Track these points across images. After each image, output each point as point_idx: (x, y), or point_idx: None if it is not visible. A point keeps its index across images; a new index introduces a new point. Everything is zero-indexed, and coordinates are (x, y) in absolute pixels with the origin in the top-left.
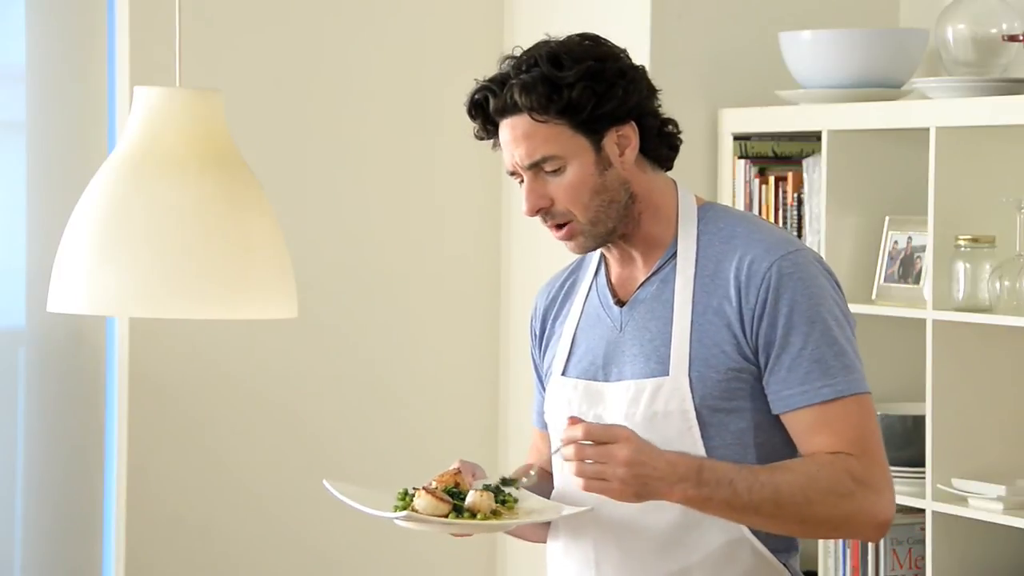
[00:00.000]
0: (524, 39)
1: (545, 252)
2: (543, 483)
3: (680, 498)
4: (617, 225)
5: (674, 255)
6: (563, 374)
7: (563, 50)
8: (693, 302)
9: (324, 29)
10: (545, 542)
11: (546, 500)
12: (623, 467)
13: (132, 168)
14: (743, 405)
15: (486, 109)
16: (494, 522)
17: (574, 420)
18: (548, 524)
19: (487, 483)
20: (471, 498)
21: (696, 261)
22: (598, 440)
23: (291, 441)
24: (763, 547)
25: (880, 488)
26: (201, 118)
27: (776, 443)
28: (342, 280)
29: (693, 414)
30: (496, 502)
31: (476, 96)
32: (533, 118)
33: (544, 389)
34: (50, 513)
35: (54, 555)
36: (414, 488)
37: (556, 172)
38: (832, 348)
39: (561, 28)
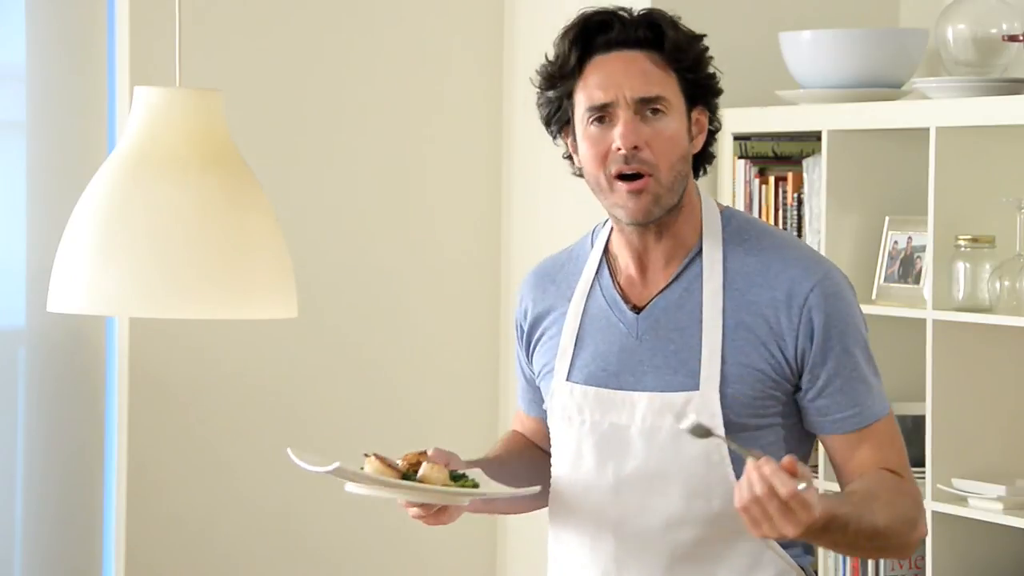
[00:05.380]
0: (524, 39)
1: (545, 248)
2: (522, 462)
3: (801, 537)
4: (675, 205)
5: (694, 260)
6: (568, 379)
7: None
8: (724, 316)
9: (324, 29)
10: (528, 510)
11: (500, 485)
12: (795, 529)
13: (132, 168)
14: (774, 421)
15: (593, 37)
16: (429, 488)
17: (766, 462)
18: (534, 499)
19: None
20: (424, 470)
21: (724, 273)
22: (784, 499)
23: (291, 441)
24: (785, 552)
25: (923, 507)
26: (201, 118)
27: (802, 455)
28: (342, 280)
29: (722, 431)
30: (455, 483)
31: (596, 19)
32: (662, 56)
33: (526, 377)
34: (50, 513)
35: (54, 555)
36: (364, 455)
37: (658, 118)
38: (869, 368)
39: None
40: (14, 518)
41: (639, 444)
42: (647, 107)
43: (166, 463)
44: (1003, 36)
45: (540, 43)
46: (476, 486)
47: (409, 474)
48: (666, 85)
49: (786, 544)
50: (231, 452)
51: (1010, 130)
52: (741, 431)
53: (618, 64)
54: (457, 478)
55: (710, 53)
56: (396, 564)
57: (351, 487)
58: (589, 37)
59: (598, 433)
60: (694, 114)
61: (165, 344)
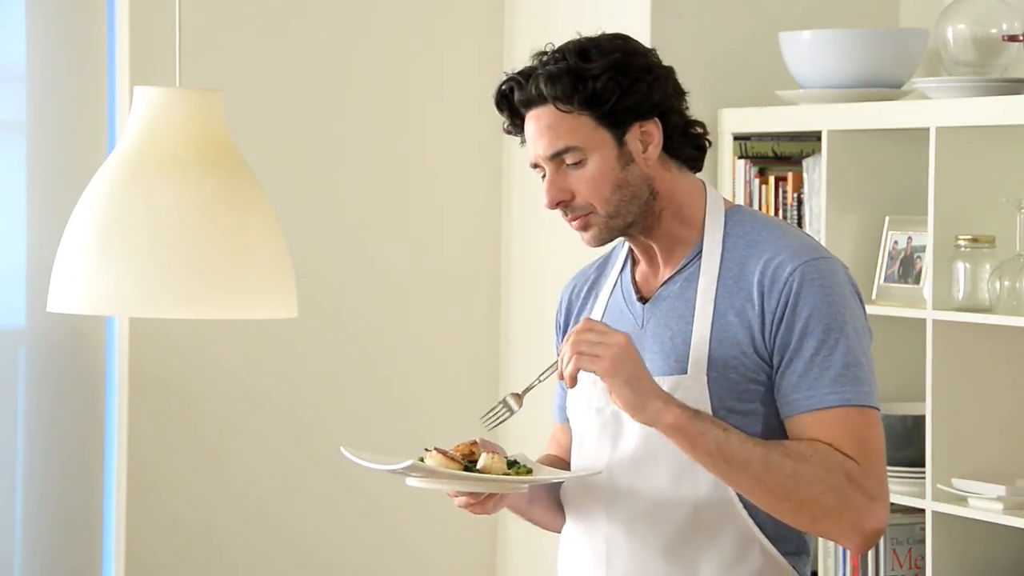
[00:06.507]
0: (524, 40)
1: (545, 250)
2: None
3: (673, 421)
4: (636, 220)
5: (699, 255)
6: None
7: (591, 44)
8: (715, 303)
9: (324, 29)
10: (559, 531)
11: (559, 470)
12: (617, 348)
13: (132, 168)
14: (757, 409)
15: (512, 101)
16: (498, 477)
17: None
18: (562, 511)
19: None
20: (483, 460)
21: (720, 263)
22: (587, 327)
23: (291, 441)
24: (773, 548)
25: (874, 496)
26: (201, 118)
27: None
28: (342, 280)
29: (709, 414)
30: (510, 470)
31: (503, 88)
32: (557, 108)
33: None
34: (50, 513)
35: (54, 555)
36: (425, 449)
37: (577, 165)
38: (845, 358)
39: (561, 28)
40: (14, 518)
41: (633, 428)
42: (561, 160)
43: (166, 463)
44: (1003, 36)
45: (540, 43)
46: (530, 471)
47: (468, 465)
48: (576, 130)
49: (775, 540)
50: (231, 452)
51: (1010, 130)
52: (727, 416)
53: (530, 124)
54: (510, 465)
55: (633, 62)
56: (396, 564)
57: (413, 481)
58: (510, 101)
59: (602, 420)
60: (633, 131)
61: (165, 344)
